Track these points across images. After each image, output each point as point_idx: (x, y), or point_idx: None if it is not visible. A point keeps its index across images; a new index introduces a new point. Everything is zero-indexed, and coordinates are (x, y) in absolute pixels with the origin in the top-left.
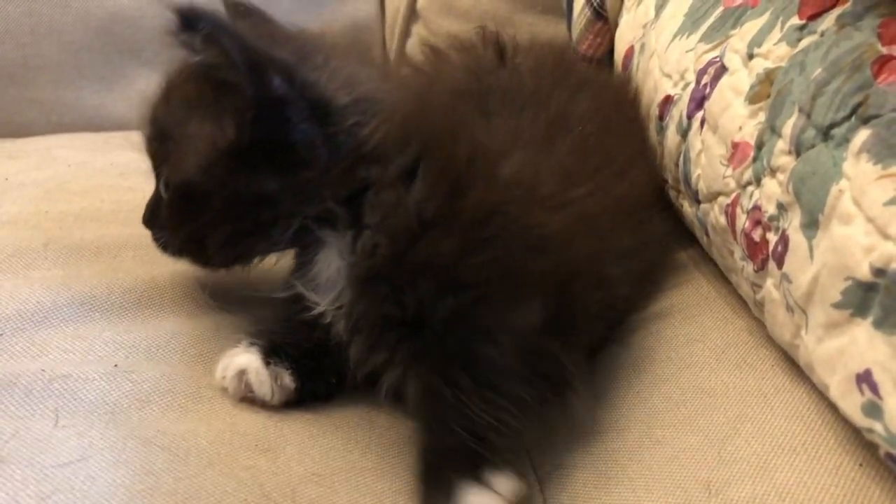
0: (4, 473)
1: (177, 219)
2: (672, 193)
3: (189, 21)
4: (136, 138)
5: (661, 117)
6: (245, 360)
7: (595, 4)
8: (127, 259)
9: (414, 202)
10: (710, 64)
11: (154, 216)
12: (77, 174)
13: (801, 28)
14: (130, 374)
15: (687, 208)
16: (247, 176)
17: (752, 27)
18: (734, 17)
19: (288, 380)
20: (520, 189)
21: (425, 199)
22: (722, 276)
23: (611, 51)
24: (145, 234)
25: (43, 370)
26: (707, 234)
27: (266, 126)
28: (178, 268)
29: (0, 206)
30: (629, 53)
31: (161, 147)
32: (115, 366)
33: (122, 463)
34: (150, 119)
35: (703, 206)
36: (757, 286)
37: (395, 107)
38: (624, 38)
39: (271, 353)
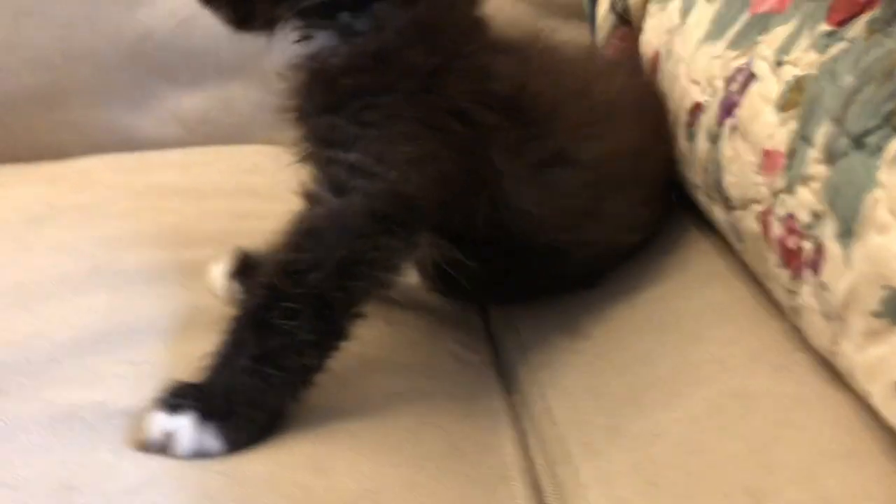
0: (76, 500)
1: None
2: (703, 199)
3: None
4: (173, 157)
5: (690, 124)
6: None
7: (618, 10)
8: (172, 283)
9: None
10: (738, 71)
11: None
12: (117, 197)
13: (830, 35)
14: None
15: (718, 214)
16: None
17: (779, 33)
18: (761, 23)
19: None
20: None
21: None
22: (755, 280)
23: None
24: (187, 259)
25: (102, 401)
26: (740, 240)
27: None
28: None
29: (45, 232)
30: (656, 59)
31: None
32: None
33: (182, 489)
34: None
35: (735, 212)
36: (793, 293)
37: None
38: (650, 43)
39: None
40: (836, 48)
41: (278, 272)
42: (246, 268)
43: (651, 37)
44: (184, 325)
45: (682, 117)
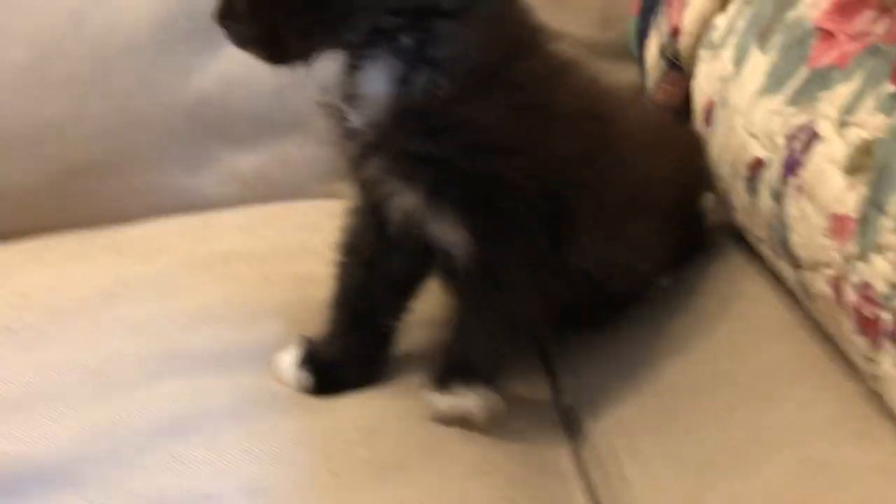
0: None
1: (256, 11)
2: (768, 253)
3: None
4: (233, 217)
5: (750, 178)
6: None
7: (668, 55)
8: (243, 367)
9: (477, 49)
10: (800, 129)
11: (227, 12)
12: (183, 267)
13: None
14: (267, 492)
15: (786, 270)
16: None
17: (842, 92)
18: (822, 79)
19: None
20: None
21: (486, 48)
22: (827, 336)
23: (687, 99)
24: (255, 338)
25: (188, 489)
26: (810, 299)
27: None
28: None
29: (119, 310)
30: (710, 107)
31: None
32: (251, 478)
33: None
34: None
35: (804, 272)
36: (871, 361)
37: None
38: (703, 90)
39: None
40: None
41: None
42: (311, 355)
43: (704, 83)
44: (257, 410)
45: (742, 171)
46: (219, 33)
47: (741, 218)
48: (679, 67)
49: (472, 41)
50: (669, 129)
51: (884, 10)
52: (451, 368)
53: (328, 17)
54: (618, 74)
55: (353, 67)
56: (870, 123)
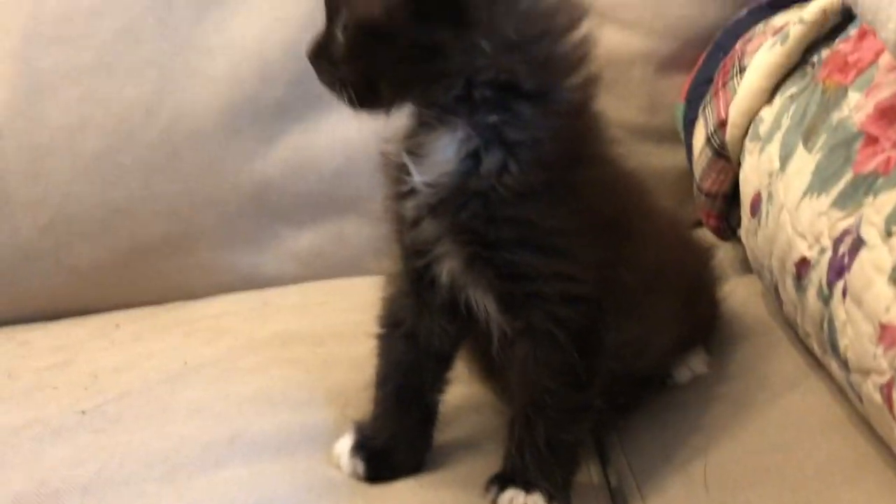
0: None
1: (355, 56)
2: (817, 349)
3: None
4: (292, 296)
5: (798, 276)
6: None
7: (715, 145)
8: (303, 453)
9: (551, 140)
10: (845, 233)
11: (321, 52)
12: (244, 350)
13: None
14: None
15: (835, 370)
16: (424, 23)
17: (887, 200)
18: (866, 184)
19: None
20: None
21: (560, 140)
22: (877, 434)
23: (734, 185)
24: (314, 423)
25: None
26: (860, 401)
27: None
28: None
29: (183, 393)
30: (757, 200)
31: None
32: None
33: None
34: None
35: (853, 375)
36: None
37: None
38: (750, 182)
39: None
40: None
41: None
42: (362, 442)
43: (751, 176)
44: (314, 497)
45: (789, 267)
46: (281, 120)
47: (789, 311)
48: (726, 157)
49: (548, 130)
50: (682, 227)
51: None
52: (512, 472)
53: (426, 75)
54: (663, 157)
55: (426, 126)
56: None
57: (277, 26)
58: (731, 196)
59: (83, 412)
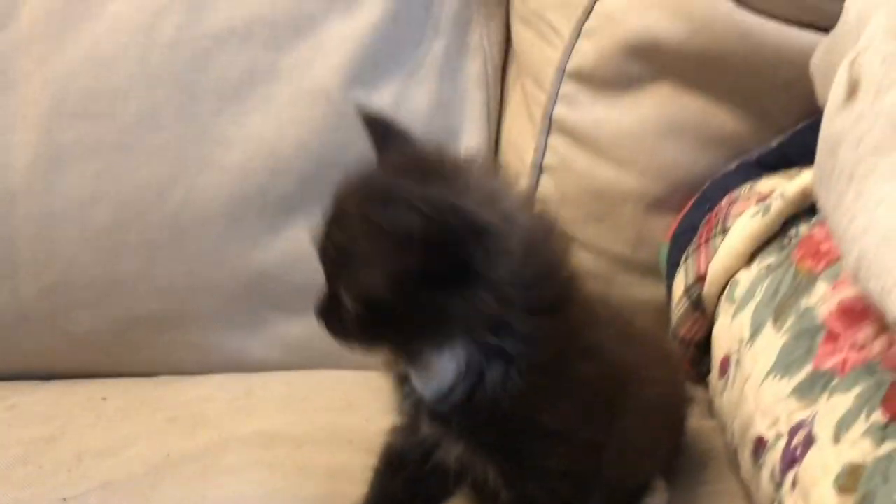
0: None
1: (363, 324)
2: None
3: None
4: (277, 386)
5: (755, 453)
6: None
7: (693, 297)
8: None
9: (546, 344)
10: (801, 425)
11: (328, 313)
12: (226, 447)
13: (885, 427)
14: None
15: None
16: (430, 292)
17: (840, 403)
18: (823, 382)
19: None
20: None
21: (556, 343)
22: None
23: (708, 335)
24: None
25: None
26: None
27: (443, 251)
28: None
29: (163, 489)
30: (726, 362)
31: (339, 261)
32: None
33: None
34: (327, 233)
35: None
36: None
37: (536, 235)
38: (720, 343)
39: None
40: (889, 446)
41: None
42: None
43: (723, 337)
44: None
45: (749, 441)
46: (287, 213)
47: (745, 479)
48: (702, 309)
49: (543, 337)
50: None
51: (882, 328)
52: None
53: (431, 327)
54: (646, 290)
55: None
56: (859, 447)
57: (292, 125)
58: (704, 345)
59: (64, 500)
